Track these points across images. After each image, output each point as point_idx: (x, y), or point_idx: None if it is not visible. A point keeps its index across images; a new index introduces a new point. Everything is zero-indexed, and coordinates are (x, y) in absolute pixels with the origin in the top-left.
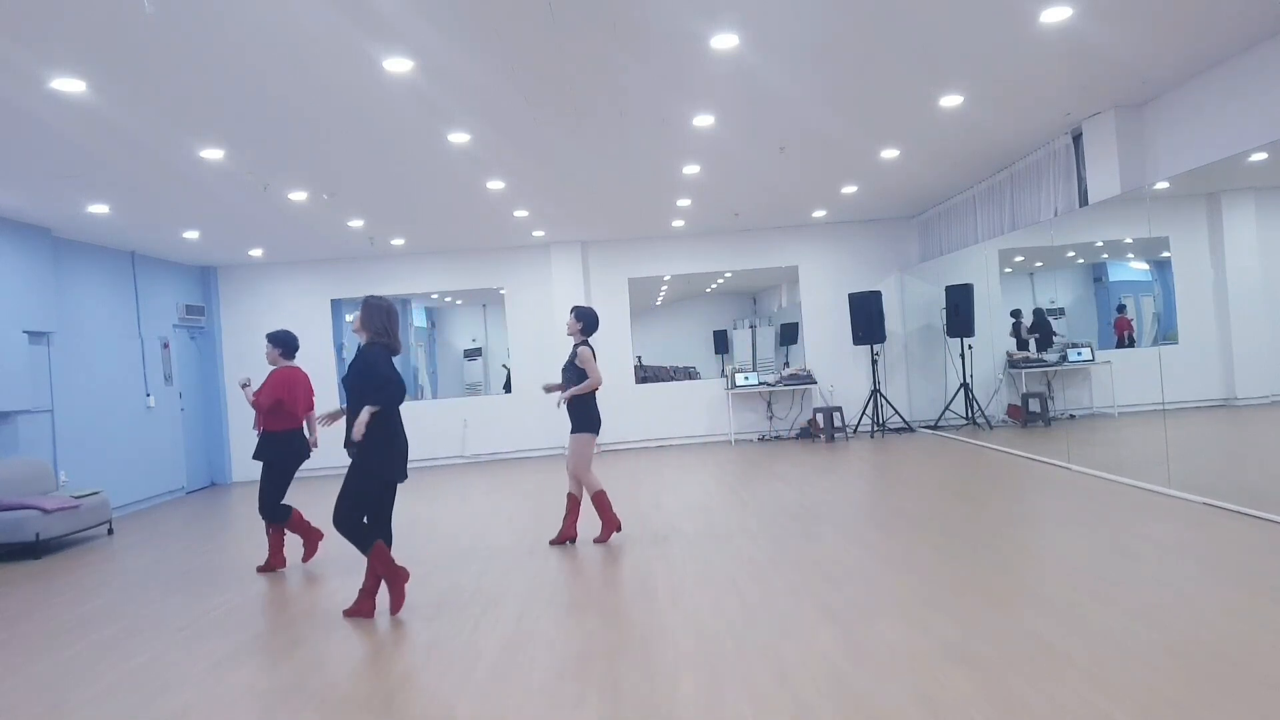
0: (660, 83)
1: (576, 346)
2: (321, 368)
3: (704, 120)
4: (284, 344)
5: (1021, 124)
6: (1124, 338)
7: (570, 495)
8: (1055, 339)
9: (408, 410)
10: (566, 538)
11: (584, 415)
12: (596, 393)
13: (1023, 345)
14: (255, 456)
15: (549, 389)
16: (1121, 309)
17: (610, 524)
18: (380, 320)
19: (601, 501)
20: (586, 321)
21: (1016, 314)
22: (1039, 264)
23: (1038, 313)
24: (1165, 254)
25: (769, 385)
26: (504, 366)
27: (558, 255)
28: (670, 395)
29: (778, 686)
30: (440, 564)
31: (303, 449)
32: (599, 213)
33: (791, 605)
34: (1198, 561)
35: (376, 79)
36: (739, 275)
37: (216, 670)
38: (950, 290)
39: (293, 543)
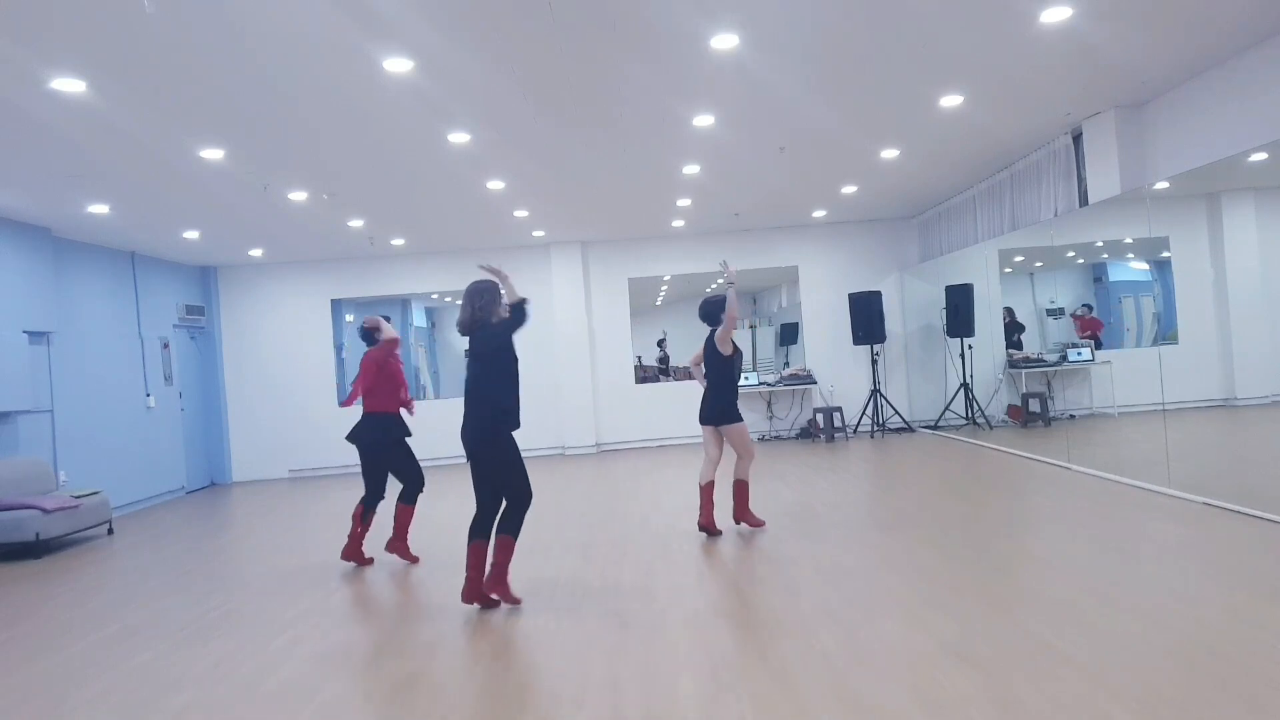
0: (660, 83)
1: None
2: (321, 368)
3: (704, 120)
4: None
5: (1021, 124)
6: (1093, 338)
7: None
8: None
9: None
10: (750, 522)
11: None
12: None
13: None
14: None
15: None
16: (1089, 308)
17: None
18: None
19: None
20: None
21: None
22: (1039, 264)
23: (1008, 310)
24: (1165, 254)
25: (769, 385)
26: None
27: (558, 255)
28: (670, 395)
29: (778, 686)
30: (440, 564)
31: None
32: (599, 213)
33: (792, 605)
34: (1198, 561)
35: (376, 79)
36: (739, 275)
37: (216, 670)
38: (950, 290)
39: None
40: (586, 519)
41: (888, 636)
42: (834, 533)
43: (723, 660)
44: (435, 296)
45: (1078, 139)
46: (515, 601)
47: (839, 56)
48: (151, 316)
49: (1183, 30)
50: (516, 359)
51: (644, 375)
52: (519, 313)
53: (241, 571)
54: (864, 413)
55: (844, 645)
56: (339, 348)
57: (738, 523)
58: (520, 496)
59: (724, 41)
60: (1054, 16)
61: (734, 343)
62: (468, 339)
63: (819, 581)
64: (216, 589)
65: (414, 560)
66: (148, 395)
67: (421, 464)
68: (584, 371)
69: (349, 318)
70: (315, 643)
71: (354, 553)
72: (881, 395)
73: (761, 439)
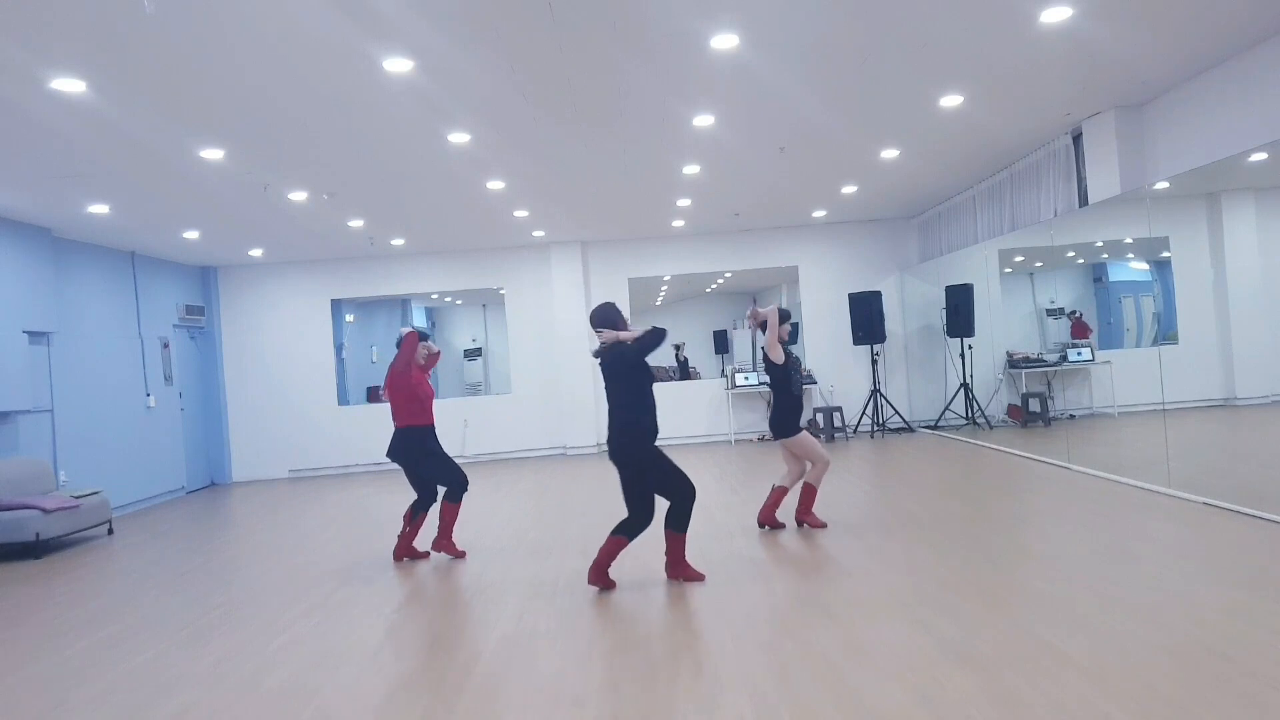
0: (660, 83)
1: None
2: (321, 368)
3: (704, 120)
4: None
5: (1021, 124)
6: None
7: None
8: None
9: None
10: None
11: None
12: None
13: None
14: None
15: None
16: (1074, 314)
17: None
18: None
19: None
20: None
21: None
22: (1039, 264)
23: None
24: (1165, 254)
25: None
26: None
27: (558, 255)
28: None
29: (778, 686)
30: (441, 563)
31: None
32: (599, 213)
33: (791, 605)
34: (1198, 561)
35: (376, 79)
36: (739, 275)
37: (216, 670)
38: (950, 290)
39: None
40: (587, 519)
41: (888, 636)
42: (834, 533)
43: (723, 660)
44: (435, 296)
45: (1078, 139)
46: (698, 577)
47: (839, 56)
48: (151, 316)
49: (1183, 30)
50: (650, 378)
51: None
52: (653, 335)
53: (241, 571)
54: (864, 413)
55: (844, 645)
56: (339, 348)
57: (799, 522)
58: (675, 494)
59: (724, 41)
60: (1054, 16)
61: (785, 350)
62: (599, 360)
63: (819, 581)
64: (216, 589)
65: (460, 555)
66: (148, 395)
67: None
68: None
69: (349, 318)
70: (315, 643)
71: (406, 550)
72: (881, 395)
73: (762, 439)
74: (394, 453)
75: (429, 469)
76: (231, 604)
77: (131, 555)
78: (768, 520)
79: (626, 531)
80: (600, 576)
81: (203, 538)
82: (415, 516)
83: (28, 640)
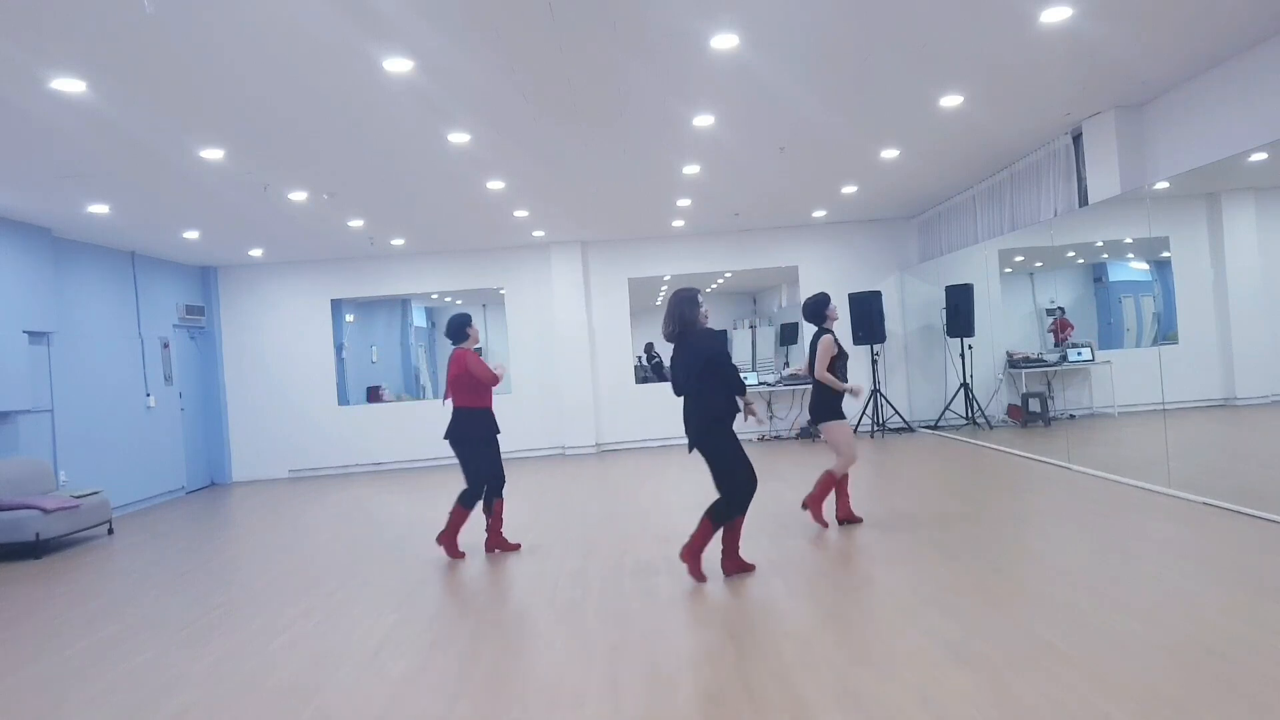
0: (660, 83)
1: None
2: (321, 368)
3: (704, 120)
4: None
5: (1021, 124)
6: (1063, 340)
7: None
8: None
9: (410, 409)
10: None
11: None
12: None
13: None
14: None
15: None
16: (1061, 310)
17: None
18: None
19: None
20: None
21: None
22: (1039, 264)
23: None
24: (1165, 254)
25: (769, 385)
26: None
27: (558, 255)
28: (671, 395)
29: (778, 686)
30: (440, 564)
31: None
32: (599, 213)
33: (791, 605)
34: (1198, 561)
35: (376, 79)
36: (739, 275)
37: (216, 670)
38: (950, 290)
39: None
40: (587, 519)
41: (888, 636)
42: (834, 533)
43: (723, 660)
44: (435, 296)
45: (1078, 139)
46: (699, 578)
47: (839, 56)
48: (151, 316)
49: (1183, 30)
50: (730, 367)
51: (645, 375)
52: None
53: (241, 571)
54: (864, 412)
55: (844, 645)
56: (339, 348)
57: (803, 506)
58: (726, 492)
59: (724, 41)
60: (1054, 16)
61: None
62: (672, 345)
63: (819, 581)
64: (216, 589)
65: (459, 556)
66: (148, 395)
67: (421, 463)
68: (584, 371)
69: (349, 318)
70: (315, 643)
71: (498, 542)
72: (881, 395)
73: (762, 439)
74: (448, 433)
75: (471, 457)
76: (231, 604)
77: (131, 555)
78: (845, 516)
79: (711, 515)
80: (730, 562)
81: (203, 538)
82: (489, 507)
83: (28, 640)
